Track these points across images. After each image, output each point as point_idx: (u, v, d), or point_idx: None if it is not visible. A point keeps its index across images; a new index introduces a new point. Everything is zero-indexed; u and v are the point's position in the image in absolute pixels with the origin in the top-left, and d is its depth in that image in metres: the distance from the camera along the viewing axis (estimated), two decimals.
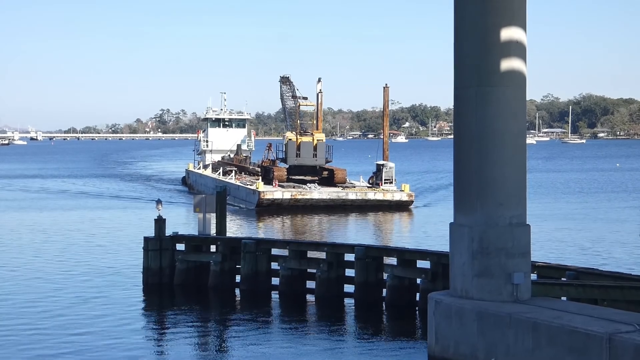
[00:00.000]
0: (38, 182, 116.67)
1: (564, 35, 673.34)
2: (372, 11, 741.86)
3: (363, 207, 74.23)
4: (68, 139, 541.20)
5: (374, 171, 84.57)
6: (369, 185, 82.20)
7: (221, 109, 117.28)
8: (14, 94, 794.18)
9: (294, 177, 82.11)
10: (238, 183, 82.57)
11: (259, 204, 73.70)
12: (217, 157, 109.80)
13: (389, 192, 76.50)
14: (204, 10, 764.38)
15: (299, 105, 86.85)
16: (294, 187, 77.79)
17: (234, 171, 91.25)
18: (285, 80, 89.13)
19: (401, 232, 60.89)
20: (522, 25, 23.43)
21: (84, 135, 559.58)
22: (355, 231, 60.54)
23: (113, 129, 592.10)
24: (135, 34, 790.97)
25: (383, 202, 75.24)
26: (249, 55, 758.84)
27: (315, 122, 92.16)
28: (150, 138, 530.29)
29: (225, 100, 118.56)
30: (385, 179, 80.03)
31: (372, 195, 75.73)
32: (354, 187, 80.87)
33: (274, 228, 62.68)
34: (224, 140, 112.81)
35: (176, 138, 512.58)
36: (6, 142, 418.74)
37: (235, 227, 60.16)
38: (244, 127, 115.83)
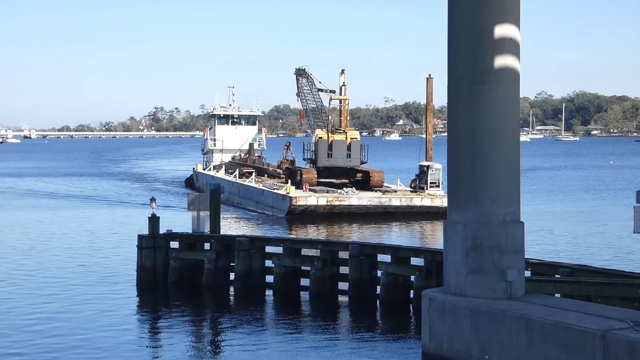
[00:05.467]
0: (32, 181, 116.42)
1: (557, 32, 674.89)
2: (360, 9, 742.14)
3: (407, 215, 65.76)
4: (62, 137, 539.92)
5: (416, 173, 74.91)
6: (411, 189, 72.94)
7: (230, 105, 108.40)
8: (8, 92, 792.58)
9: (323, 180, 74.25)
10: (262, 187, 73.92)
11: (290, 211, 65.40)
12: (226, 157, 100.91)
13: (437, 198, 67.40)
14: (198, 7, 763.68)
15: (331, 98, 79.49)
16: (327, 192, 69.10)
17: (253, 173, 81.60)
18: (302, 73, 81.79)
19: None
20: (516, 22, 23.44)
21: (77, 133, 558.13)
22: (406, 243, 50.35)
23: (106, 127, 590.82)
24: (128, 31, 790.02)
25: (431, 208, 66.17)
26: (241, 53, 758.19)
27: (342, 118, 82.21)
28: (144, 136, 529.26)
29: (233, 95, 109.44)
30: (431, 182, 70.55)
31: (419, 201, 67.56)
32: (395, 191, 71.71)
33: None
34: (232, 139, 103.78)
35: (170, 136, 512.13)
36: (0, 140, 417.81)
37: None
38: (254, 124, 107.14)
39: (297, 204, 65.36)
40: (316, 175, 73.68)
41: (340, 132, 76.44)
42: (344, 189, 70.60)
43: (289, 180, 73.08)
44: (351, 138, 75.75)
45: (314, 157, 76.11)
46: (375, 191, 71.28)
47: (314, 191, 69.08)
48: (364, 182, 74.20)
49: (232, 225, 61.24)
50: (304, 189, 69.36)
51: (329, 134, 75.38)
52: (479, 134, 23.16)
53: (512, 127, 23.56)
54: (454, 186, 24.04)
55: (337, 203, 66.49)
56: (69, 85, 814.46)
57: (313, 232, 58.11)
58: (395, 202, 67.59)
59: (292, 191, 67.18)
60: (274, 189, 71.81)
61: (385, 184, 75.81)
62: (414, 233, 58.87)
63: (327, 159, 74.61)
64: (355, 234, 57.13)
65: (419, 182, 72.84)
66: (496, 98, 23.13)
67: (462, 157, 23.55)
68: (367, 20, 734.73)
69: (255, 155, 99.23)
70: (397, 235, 56.96)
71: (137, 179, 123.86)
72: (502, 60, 23.08)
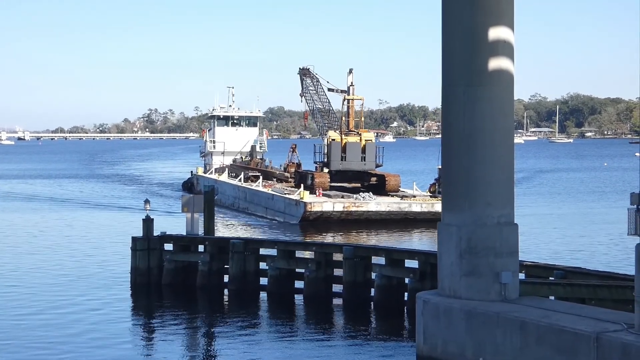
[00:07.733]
0: (27, 183, 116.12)
1: (551, 34, 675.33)
2: (352, 9, 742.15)
3: (428, 222, 60.04)
4: (56, 138, 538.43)
5: (435, 178, 71.10)
6: (430, 194, 68.57)
7: (229, 105, 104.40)
8: (1, 93, 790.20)
9: (335, 184, 70.67)
10: (271, 192, 70.00)
11: (304, 217, 61.53)
12: (227, 160, 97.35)
13: None
14: (191, 7, 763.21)
15: (344, 99, 75.12)
16: (343, 197, 65.35)
17: (260, 177, 77.99)
18: (306, 73, 78.85)
19: None
20: (510, 24, 23.45)
21: (71, 135, 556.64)
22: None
23: (101, 128, 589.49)
24: (122, 32, 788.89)
25: None
26: (235, 55, 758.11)
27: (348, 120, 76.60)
28: (138, 138, 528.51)
29: (233, 95, 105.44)
30: None
31: (440, 206, 63.85)
32: (414, 196, 67.14)
33: None
34: (233, 141, 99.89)
35: (164, 138, 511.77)
36: None
37: None
38: (255, 125, 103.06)
39: (312, 209, 61.71)
40: (329, 179, 70.11)
41: (354, 134, 72.66)
42: (360, 194, 66.67)
43: (301, 185, 68.72)
44: (366, 140, 71.95)
45: (326, 160, 72.19)
46: (392, 196, 67.36)
47: (329, 196, 65.67)
48: (379, 187, 70.15)
49: (242, 232, 58.60)
50: (317, 193, 65.82)
51: (342, 135, 71.67)
52: (473, 135, 23.15)
53: (506, 129, 23.56)
54: (448, 188, 24.07)
55: (354, 209, 62.62)
56: (63, 86, 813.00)
57: (330, 240, 54.43)
58: (416, 207, 63.39)
59: (306, 196, 63.19)
60: (285, 193, 67.71)
61: (401, 189, 71.96)
62: (435, 241, 55.10)
63: (341, 162, 70.79)
64: (374, 241, 53.69)
65: (439, 186, 67.76)
66: (490, 100, 23.13)
67: (457, 159, 23.54)
68: (363, 21, 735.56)
69: (258, 157, 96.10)
70: (417, 243, 53.54)
71: (132, 181, 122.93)
72: (497, 62, 23.07)
